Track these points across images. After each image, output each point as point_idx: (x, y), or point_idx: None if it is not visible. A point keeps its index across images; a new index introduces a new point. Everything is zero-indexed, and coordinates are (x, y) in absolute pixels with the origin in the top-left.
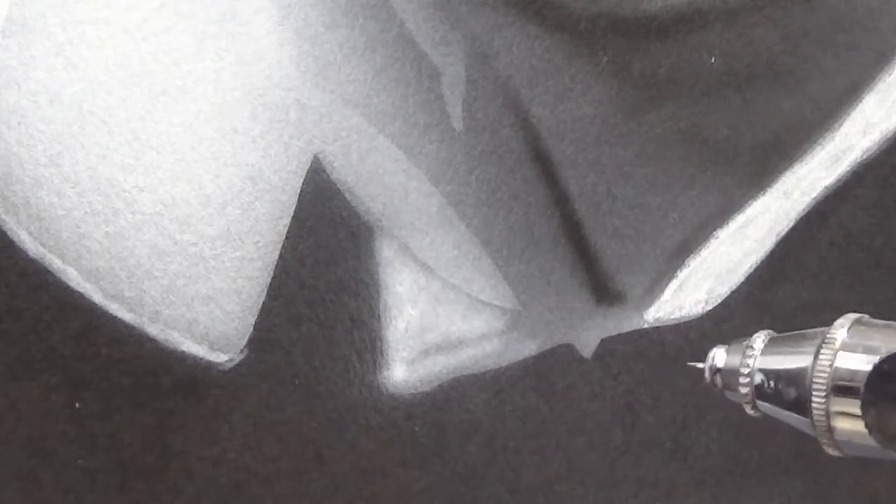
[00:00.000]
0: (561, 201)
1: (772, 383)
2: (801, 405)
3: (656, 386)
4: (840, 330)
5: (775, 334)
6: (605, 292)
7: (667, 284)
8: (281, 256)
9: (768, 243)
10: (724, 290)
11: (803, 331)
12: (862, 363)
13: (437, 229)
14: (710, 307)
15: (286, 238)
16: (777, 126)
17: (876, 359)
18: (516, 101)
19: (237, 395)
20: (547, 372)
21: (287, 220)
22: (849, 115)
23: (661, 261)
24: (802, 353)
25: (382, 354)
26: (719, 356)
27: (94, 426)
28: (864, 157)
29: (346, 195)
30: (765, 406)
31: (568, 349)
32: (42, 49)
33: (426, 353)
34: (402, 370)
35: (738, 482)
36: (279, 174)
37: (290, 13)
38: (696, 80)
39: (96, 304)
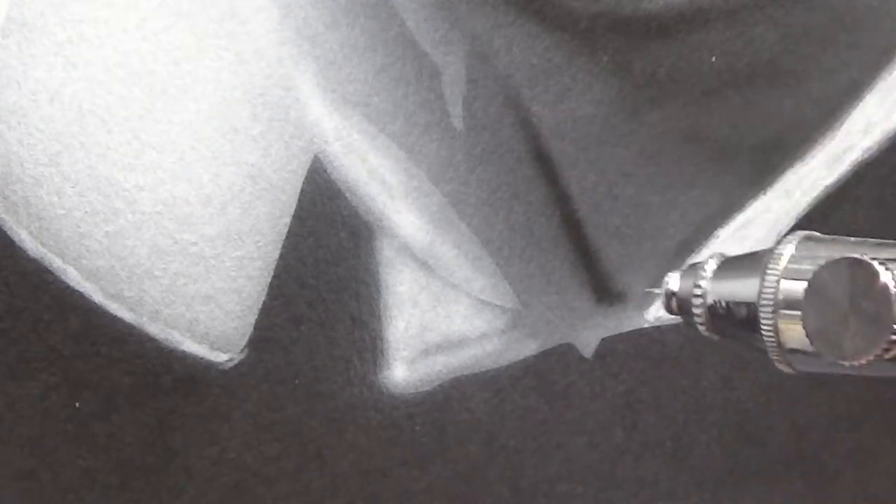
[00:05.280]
0: (561, 201)
1: (724, 304)
2: (752, 323)
3: (656, 386)
4: (787, 246)
5: (727, 255)
6: (605, 292)
7: None
8: (281, 256)
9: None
10: None
11: (755, 251)
12: (806, 276)
13: (437, 229)
14: None
15: (286, 238)
16: (778, 125)
17: (816, 269)
18: (517, 100)
19: (237, 394)
20: (547, 371)
21: (287, 220)
22: (849, 114)
23: (662, 260)
24: (752, 271)
25: (383, 354)
26: (674, 280)
27: (93, 425)
28: (865, 156)
29: (347, 195)
30: (719, 327)
31: (568, 349)
32: (42, 48)
33: (426, 352)
34: (402, 370)
35: (738, 482)
36: (279, 174)
37: (290, 12)
38: (697, 79)
39: (96, 304)
